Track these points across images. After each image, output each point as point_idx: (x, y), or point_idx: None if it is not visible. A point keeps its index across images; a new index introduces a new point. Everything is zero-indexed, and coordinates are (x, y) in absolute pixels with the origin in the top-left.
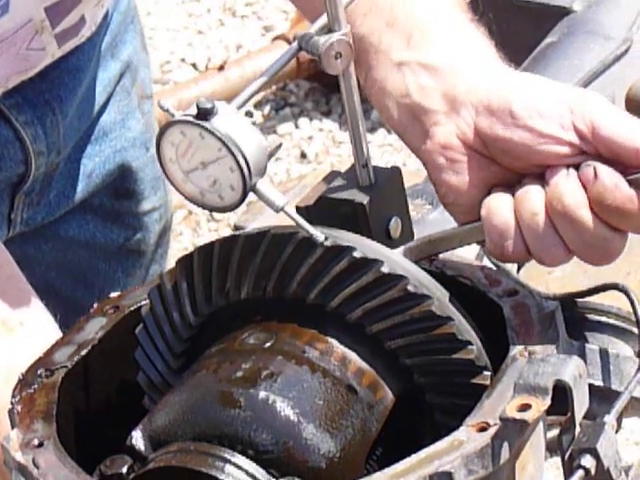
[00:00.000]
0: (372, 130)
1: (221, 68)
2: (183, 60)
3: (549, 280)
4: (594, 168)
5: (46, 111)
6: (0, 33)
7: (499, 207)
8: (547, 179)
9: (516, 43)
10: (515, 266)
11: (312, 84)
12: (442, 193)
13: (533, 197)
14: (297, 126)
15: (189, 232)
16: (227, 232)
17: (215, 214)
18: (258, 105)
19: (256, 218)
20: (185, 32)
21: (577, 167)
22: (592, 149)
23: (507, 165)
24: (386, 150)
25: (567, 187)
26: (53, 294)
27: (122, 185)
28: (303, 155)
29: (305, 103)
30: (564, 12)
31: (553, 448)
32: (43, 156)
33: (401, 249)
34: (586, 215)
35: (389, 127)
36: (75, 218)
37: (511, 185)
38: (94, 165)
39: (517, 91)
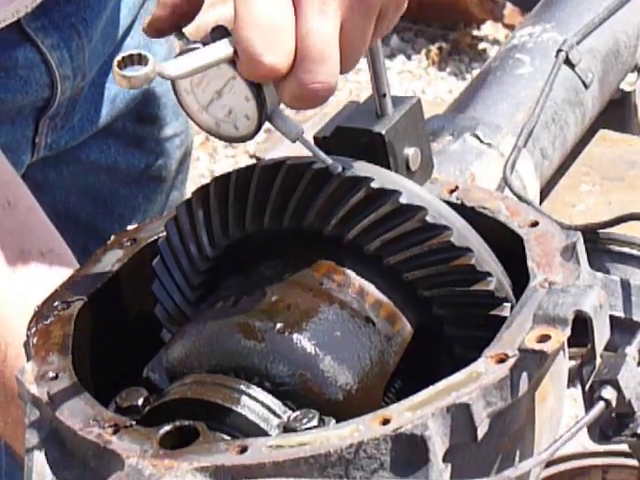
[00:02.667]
0: (391, 57)
1: None
2: None
3: (572, 213)
4: None
5: (72, 34)
6: None
7: None
8: None
9: None
10: (537, 197)
11: None
12: None
13: None
14: None
15: (206, 158)
16: (244, 159)
17: None
18: None
19: (275, 147)
20: None
21: None
22: None
23: None
24: (405, 77)
25: None
26: (73, 219)
27: (145, 110)
28: None
29: None
30: None
31: (571, 379)
32: (68, 80)
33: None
34: None
35: None
36: (97, 143)
37: None
38: (118, 89)
39: None
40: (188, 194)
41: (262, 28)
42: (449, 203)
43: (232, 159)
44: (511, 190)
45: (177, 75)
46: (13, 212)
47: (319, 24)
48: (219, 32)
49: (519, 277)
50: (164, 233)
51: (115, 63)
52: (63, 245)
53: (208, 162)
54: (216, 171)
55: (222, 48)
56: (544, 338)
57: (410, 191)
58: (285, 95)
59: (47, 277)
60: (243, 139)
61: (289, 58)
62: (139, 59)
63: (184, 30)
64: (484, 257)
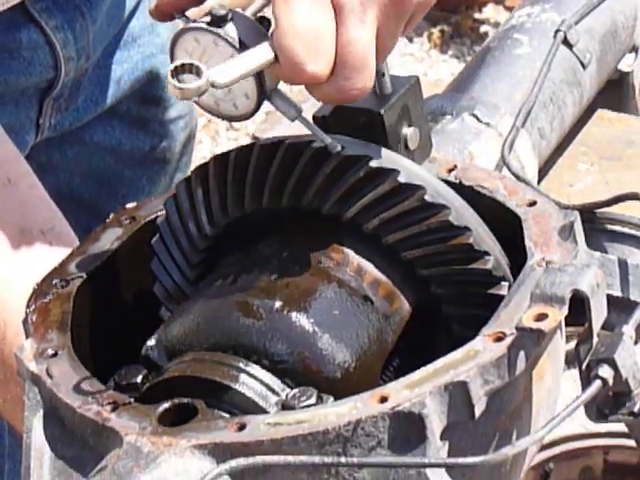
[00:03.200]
0: None
1: None
2: None
3: (570, 192)
4: None
5: (76, 15)
6: None
7: None
8: None
9: None
10: (536, 177)
11: None
12: None
13: None
14: None
15: (208, 140)
16: (246, 141)
17: (234, 123)
18: None
19: (274, 127)
20: None
21: None
22: None
23: None
24: (407, 60)
25: None
26: (77, 200)
27: (150, 91)
28: None
29: None
30: None
31: (570, 360)
32: (72, 61)
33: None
34: None
35: None
36: (101, 124)
37: None
38: (123, 71)
39: None
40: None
41: (304, 36)
42: (447, 182)
43: (234, 141)
44: (509, 170)
45: (227, 84)
46: (13, 190)
47: (360, 33)
48: (253, 30)
49: (517, 256)
50: (163, 212)
51: (169, 72)
52: (64, 223)
53: (210, 144)
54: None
55: (264, 54)
56: (541, 317)
57: (409, 170)
58: (321, 96)
59: (47, 255)
60: (242, 118)
61: (330, 66)
62: (191, 69)
63: (188, 12)
64: (482, 236)
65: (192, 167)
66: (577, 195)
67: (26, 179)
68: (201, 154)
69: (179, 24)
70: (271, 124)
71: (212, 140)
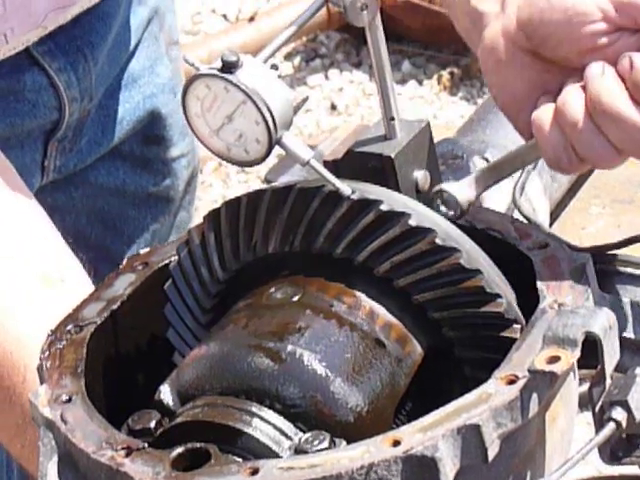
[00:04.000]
0: (403, 82)
1: (252, 19)
2: (214, 11)
3: (582, 235)
4: (629, 58)
5: (78, 57)
6: None
7: (545, 120)
8: (585, 79)
9: None
10: (547, 220)
11: (343, 35)
12: (494, 94)
13: (571, 106)
14: (327, 77)
15: (219, 184)
16: (257, 184)
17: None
18: (288, 56)
19: (285, 171)
20: None
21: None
22: (628, 21)
23: (549, 56)
24: (417, 102)
25: (603, 85)
26: (83, 241)
27: (151, 131)
28: (333, 107)
29: (335, 54)
30: None
31: (584, 403)
32: (76, 102)
33: (467, 180)
34: (626, 108)
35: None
36: (105, 165)
37: (557, 88)
38: (124, 111)
39: None
40: (196, 215)
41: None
42: (459, 225)
43: (245, 184)
44: (520, 212)
45: None
46: (32, 236)
47: None
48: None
49: (529, 298)
50: (176, 257)
51: None
52: (81, 271)
53: (221, 188)
54: (229, 197)
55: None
56: (554, 359)
57: (419, 213)
58: None
59: (67, 301)
60: (254, 163)
61: None
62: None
63: (197, 58)
64: (494, 279)
65: (201, 210)
66: (589, 238)
67: (44, 225)
68: (212, 197)
69: (178, 64)
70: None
71: (223, 183)
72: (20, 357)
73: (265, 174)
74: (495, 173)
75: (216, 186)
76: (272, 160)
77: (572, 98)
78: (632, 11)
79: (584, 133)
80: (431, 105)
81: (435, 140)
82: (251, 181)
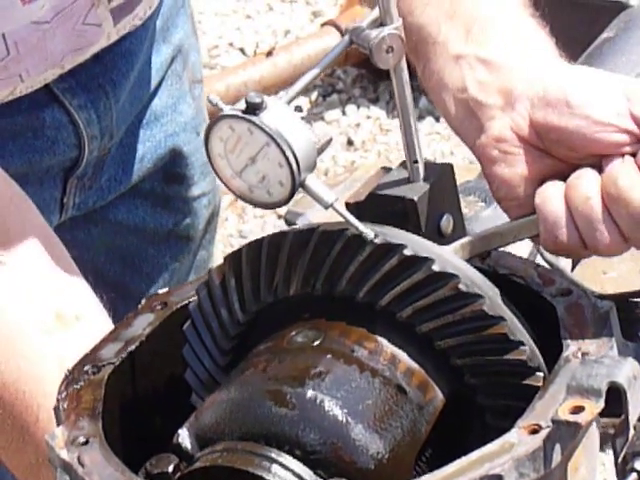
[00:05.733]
0: (420, 119)
1: (269, 54)
2: (231, 45)
3: (604, 280)
4: None
5: (99, 95)
6: (57, 4)
7: (552, 195)
8: (603, 167)
9: (572, 39)
10: (569, 265)
11: (360, 71)
12: (495, 187)
13: (586, 182)
14: (344, 113)
15: (235, 218)
16: (273, 219)
17: None
18: (305, 91)
19: (305, 209)
20: (234, 16)
21: (634, 155)
22: None
23: (562, 157)
24: (434, 138)
25: (622, 170)
26: (101, 278)
27: (172, 170)
28: (350, 142)
29: (353, 90)
30: (620, 7)
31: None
32: (96, 140)
33: (453, 246)
34: None
35: (446, 122)
36: (125, 203)
37: (565, 177)
38: (145, 149)
39: (573, 81)
40: (216, 254)
41: None
42: (481, 270)
43: (261, 219)
44: (542, 257)
45: None
46: (48, 272)
47: None
48: None
49: (551, 344)
50: (195, 297)
51: None
52: (100, 309)
53: (237, 222)
54: (244, 231)
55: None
56: (578, 409)
57: (443, 258)
58: None
59: (82, 340)
60: (276, 205)
61: None
62: None
63: (214, 92)
64: (517, 326)
65: (218, 245)
66: (611, 283)
67: (62, 261)
68: (227, 231)
69: (201, 103)
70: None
71: (239, 218)
72: (33, 397)
73: (285, 214)
74: (483, 244)
75: (232, 220)
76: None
77: (587, 175)
78: None
79: (594, 211)
80: (448, 141)
81: (460, 181)
82: (267, 216)
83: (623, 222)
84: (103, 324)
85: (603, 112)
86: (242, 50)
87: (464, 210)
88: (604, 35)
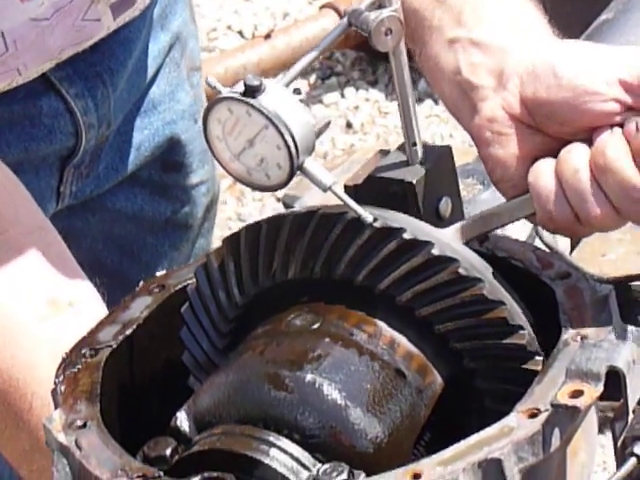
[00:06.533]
0: (419, 101)
1: (268, 36)
2: (229, 27)
3: (602, 262)
4: (636, 122)
5: (97, 83)
6: (56, 1)
7: (543, 171)
8: (592, 139)
9: (571, 22)
10: (568, 248)
11: (359, 53)
12: (489, 168)
13: (575, 155)
14: (343, 95)
15: (233, 201)
16: (272, 202)
17: None
18: (304, 74)
19: (303, 193)
20: None
21: (623, 126)
22: (639, 103)
23: (554, 132)
24: (432, 121)
25: (610, 141)
26: (99, 267)
27: (171, 158)
28: (349, 125)
29: (351, 72)
30: None
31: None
32: (93, 129)
33: (451, 228)
34: (629, 167)
35: (443, 104)
36: (123, 191)
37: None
38: (143, 138)
39: (561, 54)
40: (215, 241)
41: None
42: (480, 253)
43: (259, 202)
44: (541, 240)
45: None
46: (41, 259)
47: None
48: None
49: (550, 327)
50: (193, 280)
51: None
52: (93, 295)
53: (235, 205)
54: (243, 214)
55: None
56: (577, 393)
57: (442, 242)
58: None
59: (75, 326)
60: (274, 188)
61: None
62: None
63: (213, 75)
64: (516, 310)
65: (216, 229)
66: (609, 265)
67: (54, 247)
68: (226, 215)
69: (200, 90)
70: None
71: (237, 201)
72: (27, 384)
73: (282, 197)
74: (481, 225)
75: (230, 203)
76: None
77: (576, 149)
78: None
79: (582, 183)
80: (447, 124)
81: (458, 164)
82: (266, 199)
83: (612, 193)
84: (97, 310)
85: (591, 82)
86: (240, 33)
87: (462, 193)
88: (603, 17)
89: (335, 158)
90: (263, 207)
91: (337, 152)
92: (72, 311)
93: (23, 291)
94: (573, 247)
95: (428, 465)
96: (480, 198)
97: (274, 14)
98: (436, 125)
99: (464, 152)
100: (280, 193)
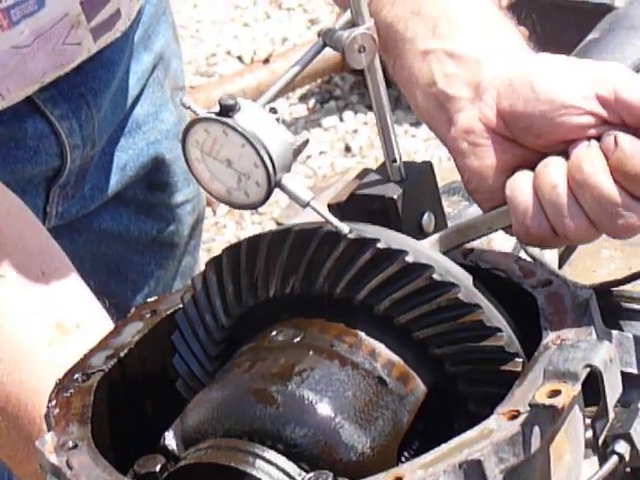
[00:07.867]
0: (417, 124)
1: (266, 61)
2: (229, 53)
3: (593, 278)
4: (614, 136)
5: (81, 104)
6: (36, 29)
7: (521, 185)
8: (569, 152)
9: (559, 42)
10: (555, 259)
11: (357, 77)
12: (466, 179)
13: (552, 170)
14: (342, 119)
15: (233, 225)
16: (271, 225)
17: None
18: (303, 98)
19: (298, 213)
20: (231, 24)
21: (599, 140)
22: (615, 118)
23: (530, 145)
24: (431, 144)
25: (587, 155)
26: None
27: (155, 177)
28: (347, 148)
29: (350, 96)
30: (606, 9)
31: (590, 445)
32: (78, 149)
33: (429, 239)
34: (606, 182)
35: (418, 116)
36: (108, 211)
37: (535, 167)
38: (128, 158)
39: (538, 67)
40: (202, 260)
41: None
42: (464, 266)
43: (259, 225)
44: (525, 251)
45: None
46: (47, 283)
47: None
48: None
49: (535, 336)
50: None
51: None
52: (100, 313)
53: (235, 229)
54: (243, 237)
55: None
56: (555, 393)
57: (416, 250)
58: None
59: (82, 347)
60: (254, 206)
61: None
62: None
63: (212, 100)
64: (493, 313)
65: (216, 252)
66: (600, 280)
67: (61, 270)
68: (225, 238)
69: (183, 110)
70: (295, 209)
71: (237, 225)
72: (35, 408)
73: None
74: (458, 236)
75: (230, 227)
76: (285, 202)
77: (554, 163)
78: (619, 108)
79: (560, 198)
80: (444, 147)
81: (446, 182)
82: (265, 222)
83: (589, 207)
84: (105, 329)
85: (568, 95)
86: (240, 58)
87: (448, 209)
88: (590, 37)
89: (328, 178)
90: (262, 230)
91: (330, 177)
92: (79, 333)
93: (30, 315)
94: (564, 262)
95: (409, 469)
96: (465, 213)
97: (273, 39)
98: (434, 148)
99: (452, 171)
100: (279, 215)
